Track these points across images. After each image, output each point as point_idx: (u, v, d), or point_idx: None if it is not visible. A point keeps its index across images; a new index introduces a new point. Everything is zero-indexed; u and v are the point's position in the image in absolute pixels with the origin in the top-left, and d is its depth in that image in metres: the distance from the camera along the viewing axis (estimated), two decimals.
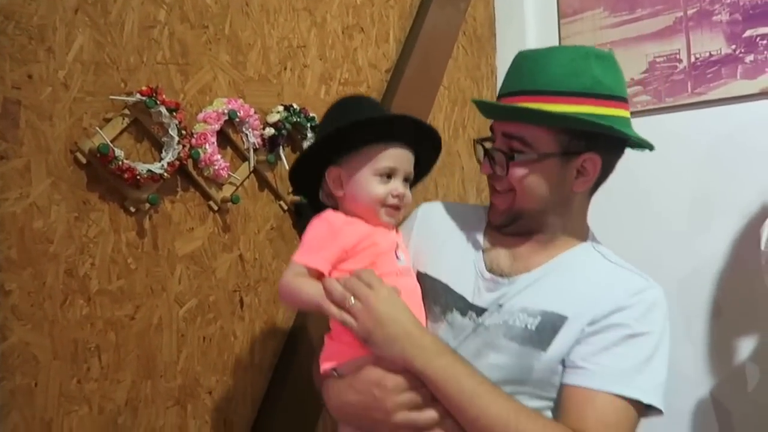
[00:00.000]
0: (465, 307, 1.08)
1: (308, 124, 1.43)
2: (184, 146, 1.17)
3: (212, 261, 1.29)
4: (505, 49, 2.40)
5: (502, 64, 2.42)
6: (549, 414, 1.01)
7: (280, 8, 1.45)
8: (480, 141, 1.14)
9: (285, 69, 1.46)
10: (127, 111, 1.12)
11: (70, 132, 1.05)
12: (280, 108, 1.38)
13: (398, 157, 1.08)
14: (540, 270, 1.08)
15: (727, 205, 1.94)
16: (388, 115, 1.14)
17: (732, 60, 1.99)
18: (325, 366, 1.04)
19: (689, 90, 2.05)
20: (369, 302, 0.97)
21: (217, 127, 1.24)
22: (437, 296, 1.11)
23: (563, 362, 1.01)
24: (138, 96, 1.11)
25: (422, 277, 1.13)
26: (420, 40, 1.80)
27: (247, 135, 1.33)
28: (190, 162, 1.22)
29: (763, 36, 1.95)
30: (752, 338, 1.89)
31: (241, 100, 1.31)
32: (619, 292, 1.03)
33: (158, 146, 1.18)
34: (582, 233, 1.15)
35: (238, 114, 1.28)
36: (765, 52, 1.95)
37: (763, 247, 1.52)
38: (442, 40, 1.98)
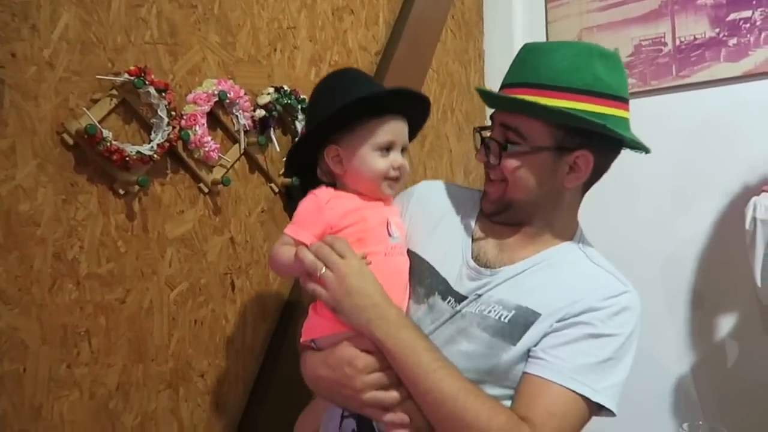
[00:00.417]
0: (446, 291, 1.10)
1: (299, 106, 1.42)
2: (173, 127, 1.15)
3: (203, 244, 1.28)
4: (492, 33, 2.40)
5: (490, 48, 2.42)
6: (508, 403, 1.02)
7: None
8: (480, 129, 1.15)
9: (275, 50, 1.44)
10: (114, 91, 1.10)
11: (56, 112, 1.03)
12: (271, 90, 1.37)
13: (396, 130, 1.09)
14: (523, 264, 1.09)
15: (710, 185, 1.97)
16: (389, 90, 1.15)
17: (716, 43, 2.01)
18: (305, 337, 1.08)
19: (674, 73, 2.07)
20: (340, 272, 1.00)
21: (207, 108, 1.23)
22: (423, 277, 1.12)
23: (529, 353, 1.03)
24: (126, 76, 1.09)
25: (411, 256, 1.15)
26: (409, 23, 1.80)
27: (237, 117, 1.31)
28: (179, 144, 1.20)
29: (746, 20, 1.97)
30: (732, 316, 1.94)
31: (231, 81, 1.29)
32: (594, 294, 1.04)
33: (147, 128, 1.17)
34: (570, 230, 1.16)
35: (229, 95, 1.27)
36: (748, 36, 1.97)
37: (747, 226, 1.55)
38: (431, 23, 1.97)
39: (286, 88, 1.40)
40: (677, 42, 2.07)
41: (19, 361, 0.98)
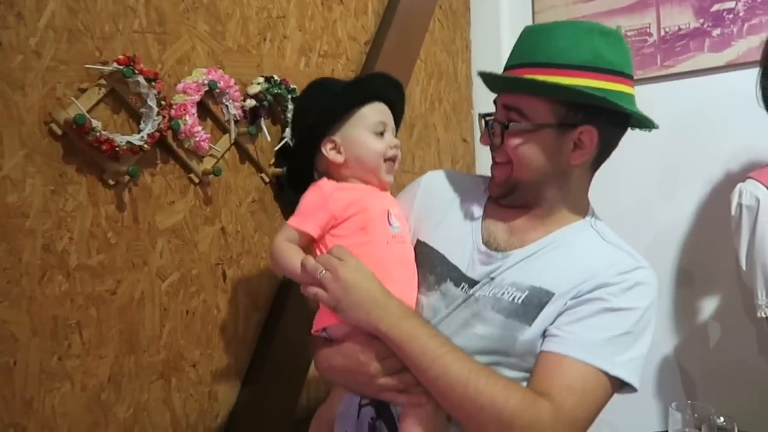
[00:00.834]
0: (459, 278, 1.09)
1: (289, 96, 1.41)
2: (163, 117, 1.14)
3: (194, 234, 1.27)
4: (479, 23, 2.40)
5: (477, 38, 2.42)
6: (525, 384, 1.01)
7: None
8: (484, 116, 1.15)
9: (264, 40, 1.43)
10: (103, 81, 1.08)
11: (43, 102, 1.01)
12: (261, 79, 1.36)
13: (385, 112, 1.15)
14: (534, 245, 1.09)
15: (693, 172, 2.00)
16: (368, 75, 1.22)
17: (700, 34, 2.03)
18: (316, 326, 1.08)
19: (659, 63, 2.09)
20: (337, 272, 1.01)
21: (197, 98, 1.22)
22: (433, 266, 1.12)
23: (544, 333, 1.02)
24: (115, 65, 1.07)
25: (421, 246, 1.15)
26: (398, 13, 1.79)
27: (227, 106, 1.30)
28: (169, 134, 1.19)
29: (730, 11, 1.99)
30: (715, 299, 1.97)
31: (220, 71, 1.28)
32: (606, 271, 1.03)
33: (135, 117, 1.15)
34: (581, 209, 1.15)
35: (219, 85, 1.26)
36: (731, 26, 1.99)
37: (733, 212, 1.57)
38: (419, 13, 1.97)
39: (276, 77, 1.39)
40: (662, 32, 2.08)
41: (9, 354, 0.97)
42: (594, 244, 1.10)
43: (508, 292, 1.05)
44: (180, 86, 1.21)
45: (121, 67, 1.08)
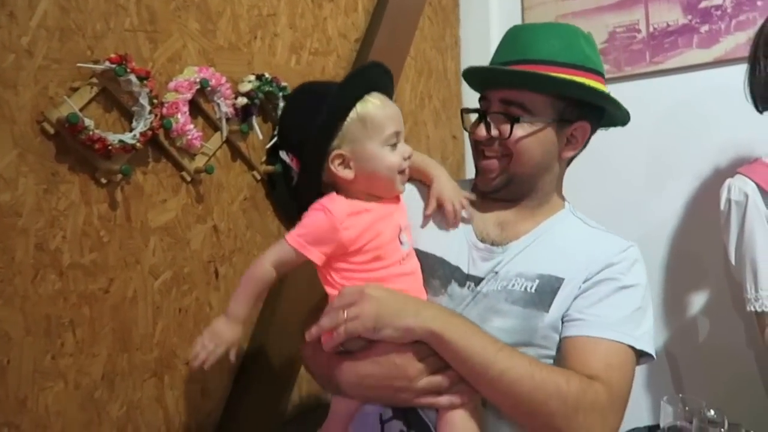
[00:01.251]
0: (462, 278, 1.11)
1: (280, 94, 1.42)
2: (155, 116, 1.14)
3: (186, 232, 1.27)
4: (468, 19, 2.41)
5: (466, 34, 2.43)
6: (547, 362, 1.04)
7: None
8: (469, 111, 1.17)
9: (255, 38, 1.43)
10: (95, 80, 1.08)
11: (35, 101, 1.01)
12: (252, 77, 1.36)
13: (397, 119, 1.04)
14: (529, 236, 1.13)
15: (682, 168, 2.02)
16: (365, 66, 1.07)
17: (688, 30, 2.04)
18: (333, 343, 1.00)
19: (647, 59, 2.10)
20: (361, 296, 0.96)
21: (189, 96, 1.21)
22: (434, 270, 1.12)
23: (563, 319, 1.05)
24: (107, 64, 1.07)
25: (417, 253, 1.13)
26: (388, 10, 1.79)
27: (218, 104, 1.30)
28: (161, 132, 1.19)
29: (717, 7, 2.00)
30: (703, 293, 1.99)
31: (212, 69, 1.28)
32: (607, 251, 1.09)
33: (127, 116, 1.15)
34: (561, 199, 1.22)
35: (210, 83, 1.26)
36: (719, 23, 2.00)
37: (722, 207, 1.59)
38: (409, 10, 1.97)
39: (267, 75, 1.39)
40: (651, 29, 2.10)
41: (3, 353, 0.97)
42: (581, 231, 1.16)
43: (518, 283, 1.07)
44: (172, 84, 1.21)
45: (114, 65, 1.07)
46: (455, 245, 1.14)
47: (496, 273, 1.09)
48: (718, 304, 1.96)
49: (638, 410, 2.00)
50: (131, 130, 1.13)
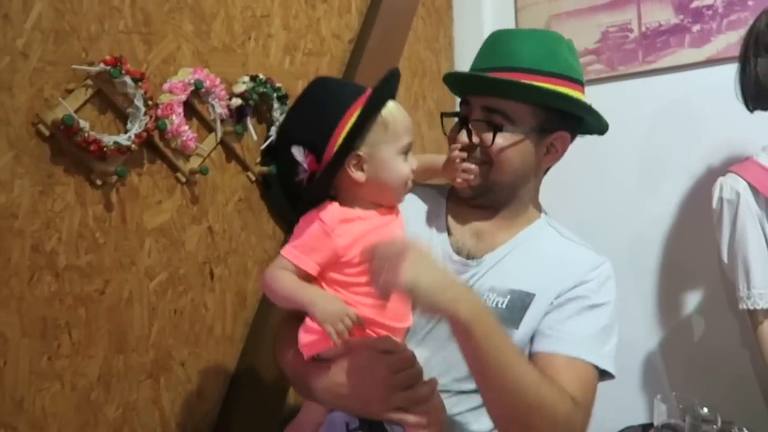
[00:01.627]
0: None
1: (274, 95, 1.42)
2: (150, 117, 1.15)
3: (181, 233, 1.28)
4: (462, 19, 2.42)
5: (460, 35, 2.43)
6: None
7: None
8: (448, 115, 1.16)
9: (249, 39, 1.44)
10: (89, 81, 1.09)
11: (31, 103, 1.01)
12: (246, 78, 1.37)
13: (411, 129, 1.02)
14: (504, 248, 1.12)
15: (675, 167, 2.03)
16: (391, 73, 1.02)
17: (680, 30, 2.05)
18: (309, 353, 0.99)
19: (640, 58, 2.11)
20: (406, 254, 0.85)
21: (183, 97, 1.22)
22: None
23: (533, 333, 1.06)
24: (102, 66, 1.07)
25: None
26: (382, 11, 1.80)
27: (213, 105, 1.31)
28: (156, 133, 1.20)
29: (709, 7, 2.02)
30: (698, 292, 2.00)
31: (206, 70, 1.29)
32: (580, 268, 1.10)
33: (122, 118, 1.16)
34: (538, 209, 1.21)
35: (205, 84, 1.26)
36: (711, 22, 2.02)
37: (714, 205, 1.60)
38: (402, 10, 1.98)
39: (261, 76, 1.40)
40: (643, 28, 2.11)
41: (0, 354, 0.97)
42: (556, 242, 1.16)
43: (489, 299, 1.07)
44: (166, 86, 1.21)
45: (108, 67, 1.08)
46: None
47: (470, 287, 1.08)
48: (711, 302, 1.97)
49: (632, 409, 2.00)
50: (126, 132, 1.13)
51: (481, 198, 1.15)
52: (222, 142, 1.36)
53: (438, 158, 1.19)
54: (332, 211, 0.99)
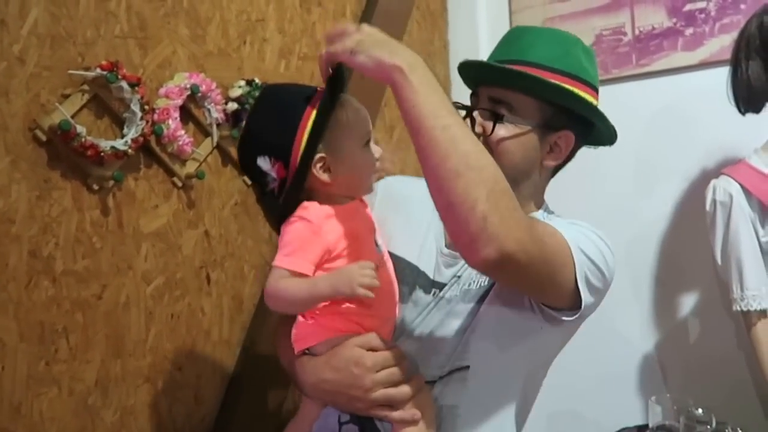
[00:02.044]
0: (428, 284, 1.12)
1: None
2: (147, 122, 1.15)
3: (178, 238, 1.28)
4: (456, 23, 2.42)
5: (454, 38, 2.44)
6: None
7: None
8: (457, 106, 1.14)
9: (244, 43, 1.44)
10: (86, 86, 1.09)
11: (27, 108, 1.02)
12: (242, 82, 1.37)
13: (367, 119, 1.02)
14: None
15: (669, 169, 2.04)
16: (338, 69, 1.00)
17: (673, 33, 2.07)
18: (300, 347, 1.02)
19: (634, 62, 2.13)
20: (356, 28, 0.93)
21: (179, 102, 1.22)
22: (404, 275, 1.11)
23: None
24: (98, 71, 1.08)
25: (390, 256, 1.11)
26: (376, 15, 1.81)
27: (209, 110, 1.31)
28: (152, 138, 1.20)
29: (702, 10, 2.03)
30: (694, 295, 2.01)
31: (202, 75, 1.29)
32: None
33: (119, 122, 1.16)
34: (538, 206, 1.19)
35: (201, 88, 1.27)
36: (703, 26, 2.03)
37: (707, 207, 1.61)
38: (397, 14, 1.98)
39: (257, 80, 1.40)
40: (636, 32, 2.12)
41: None
42: None
43: (474, 282, 1.08)
44: (162, 91, 1.22)
45: (105, 72, 1.08)
46: (425, 251, 1.14)
47: (459, 277, 1.09)
48: (706, 304, 1.98)
49: (627, 410, 2.01)
50: (123, 137, 1.14)
51: None
52: (218, 147, 1.37)
53: None
54: (314, 209, 0.98)
